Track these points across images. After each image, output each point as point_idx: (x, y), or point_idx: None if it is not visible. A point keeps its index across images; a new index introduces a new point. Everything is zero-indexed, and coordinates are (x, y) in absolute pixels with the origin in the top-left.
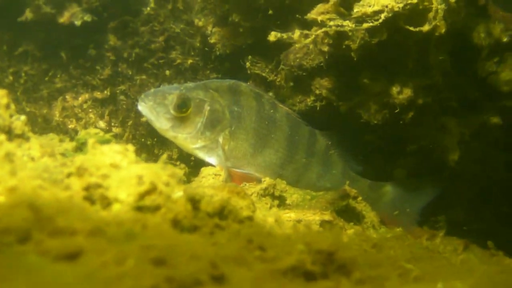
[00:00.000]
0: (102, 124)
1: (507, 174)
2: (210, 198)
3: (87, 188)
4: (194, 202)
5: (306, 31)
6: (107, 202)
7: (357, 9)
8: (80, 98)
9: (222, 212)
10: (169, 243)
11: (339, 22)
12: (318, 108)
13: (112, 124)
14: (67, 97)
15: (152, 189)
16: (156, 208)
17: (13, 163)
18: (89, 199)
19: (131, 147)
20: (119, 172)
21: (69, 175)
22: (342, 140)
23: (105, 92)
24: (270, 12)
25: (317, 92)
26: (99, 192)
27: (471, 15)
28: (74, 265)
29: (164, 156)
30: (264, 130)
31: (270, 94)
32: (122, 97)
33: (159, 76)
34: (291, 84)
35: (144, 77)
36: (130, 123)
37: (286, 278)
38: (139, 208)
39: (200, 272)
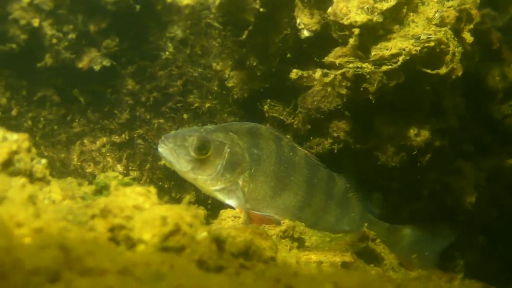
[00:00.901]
0: (119, 168)
1: None
2: (234, 239)
3: (112, 230)
4: (219, 242)
5: (326, 70)
6: (131, 243)
7: (375, 52)
8: (98, 142)
9: (247, 252)
10: (198, 282)
11: (358, 64)
12: (335, 150)
13: (130, 167)
14: (85, 141)
15: (176, 230)
16: (180, 249)
17: (36, 205)
18: (114, 240)
19: (153, 189)
20: (143, 213)
21: (93, 216)
22: (360, 183)
23: (123, 136)
24: (288, 55)
25: (335, 134)
26: (124, 233)
27: (485, 58)
28: None
29: (187, 197)
30: (283, 172)
31: (288, 136)
32: (139, 140)
33: (177, 120)
34: (309, 127)
35: (162, 120)
36: (147, 166)
37: None
38: (164, 249)
39: None
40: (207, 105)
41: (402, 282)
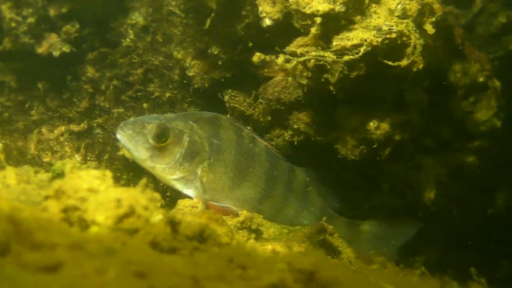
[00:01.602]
0: (77, 157)
1: (483, 215)
2: (189, 223)
3: (65, 210)
4: (173, 224)
5: (289, 57)
6: (85, 225)
7: (336, 42)
8: (56, 131)
9: (202, 236)
10: (150, 259)
11: (320, 53)
12: (295, 143)
13: (88, 157)
14: (43, 129)
15: (131, 212)
16: (134, 231)
17: None
18: (67, 221)
19: (109, 173)
20: (97, 195)
21: (46, 197)
22: (320, 177)
23: (82, 125)
24: (250, 44)
25: (295, 126)
26: (77, 215)
27: (447, 54)
28: (55, 276)
29: (144, 180)
30: (243, 163)
31: (249, 128)
32: (98, 130)
33: (137, 109)
34: (269, 118)
35: (121, 110)
36: (106, 156)
37: None
38: (117, 231)
39: (182, 286)
40: (168, 94)
41: (358, 269)
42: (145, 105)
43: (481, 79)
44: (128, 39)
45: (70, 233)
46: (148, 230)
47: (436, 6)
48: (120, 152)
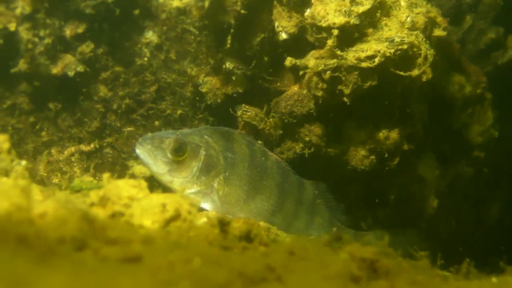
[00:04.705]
0: (87, 178)
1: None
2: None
3: (112, 216)
4: (222, 225)
5: (318, 61)
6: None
7: (351, 54)
8: (65, 152)
9: (249, 236)
10: (216, 253)
11: (338, 60)
12: (306, 155)
13: (97, 177)
14: (53, 151)
15: (177, 216)
16: (184, 233)
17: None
18: None
19: (143, 182)
20: (140, 201)
21: (92, 204)
22: (328, 190)
23: (92, 145)
24: (266, 59)
25: (307, 139)
26: (124, 220)
27: (447, 67)
28: (140, 265)
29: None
30: (256, 176)
31: (260, 142)
32: (108, 149)
33: (148, 127)
34: (280, 131)
35: (132, 128)
36: (115, 176)
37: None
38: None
39: (261, 271)
40: (179, 111)
41: None
42: (156, 122)
43: (478, 91)
44: (144, 58)
45: (135, 231)
46: (196, 232)
47: (440, 19)
48: (130, 171)
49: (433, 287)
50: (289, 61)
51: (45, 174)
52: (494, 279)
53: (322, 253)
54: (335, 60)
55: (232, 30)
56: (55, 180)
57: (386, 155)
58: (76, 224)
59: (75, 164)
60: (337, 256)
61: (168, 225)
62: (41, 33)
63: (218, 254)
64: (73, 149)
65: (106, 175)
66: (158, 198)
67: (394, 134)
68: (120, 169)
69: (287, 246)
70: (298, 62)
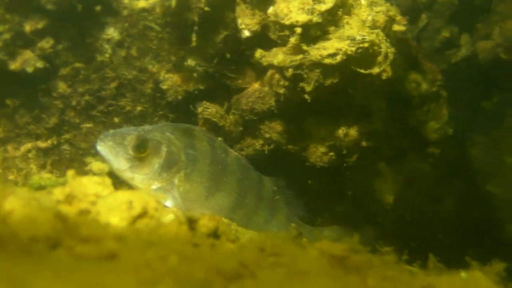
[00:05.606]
0: (44, 174)
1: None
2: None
3: (80, 214)
4: (191, 222)
5: (285, 57)
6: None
7: (313, 52)
8: (22, 148)
9: (216, 233)
10: (188, 250)
11: (302, 56)
12: (266, 151)
13: (54, 174)
14: (9, 147)
15: (144, 213)
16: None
17: None
18: None
19: (108, 179)
20: (106, 199)
21: (58, 202)
22: (287, 186)
23: (49, 141)
24: (228, 56)
25: (267, 135)
26: (91, 217)
27: (404, 65)
28: (117, 263)
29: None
30: (217, 173)
31: (220, 139)
32: (66, 146)
33: (107, 124)
34: (241, 128)
35: (91, 125)
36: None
37: (309, 278)
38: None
39: (236, 268)
40: (139, 108)
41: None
42: (116, 119)
43: (434, 89)
44: (106, 54)
45: (107, 229)
46: (165, 229)
47: (399, 17)
48: (87, 167)
49: (403, 282)
50: (259, 52)
51: (0, 171)
52: (463, 274)
53: (291, 249)
54: (301, 56)
55: (195, 28)
56: (11, 177)
57: (345, 151)
58: (49, 222)
59: (31, 160)
60: (306, 252)
61: (135, 222)
62: (0, 29)
63: (191, 252)
64: (29, 145)
65: (70, 172)
66: (123, 195)
67: (353, 131)
68: (78, 166)
69: (257, 243)
70: (266, 53)
